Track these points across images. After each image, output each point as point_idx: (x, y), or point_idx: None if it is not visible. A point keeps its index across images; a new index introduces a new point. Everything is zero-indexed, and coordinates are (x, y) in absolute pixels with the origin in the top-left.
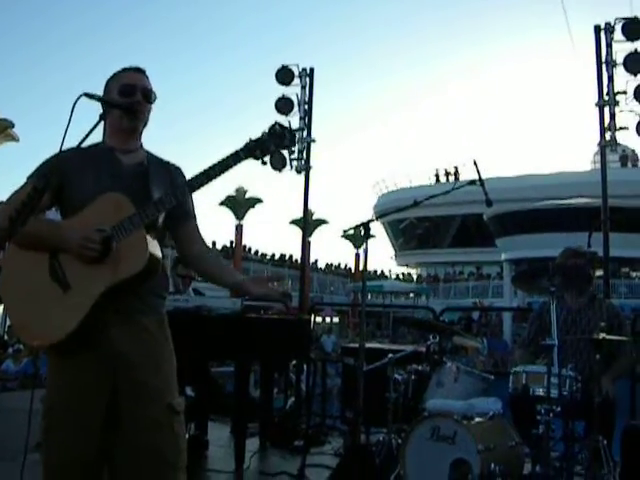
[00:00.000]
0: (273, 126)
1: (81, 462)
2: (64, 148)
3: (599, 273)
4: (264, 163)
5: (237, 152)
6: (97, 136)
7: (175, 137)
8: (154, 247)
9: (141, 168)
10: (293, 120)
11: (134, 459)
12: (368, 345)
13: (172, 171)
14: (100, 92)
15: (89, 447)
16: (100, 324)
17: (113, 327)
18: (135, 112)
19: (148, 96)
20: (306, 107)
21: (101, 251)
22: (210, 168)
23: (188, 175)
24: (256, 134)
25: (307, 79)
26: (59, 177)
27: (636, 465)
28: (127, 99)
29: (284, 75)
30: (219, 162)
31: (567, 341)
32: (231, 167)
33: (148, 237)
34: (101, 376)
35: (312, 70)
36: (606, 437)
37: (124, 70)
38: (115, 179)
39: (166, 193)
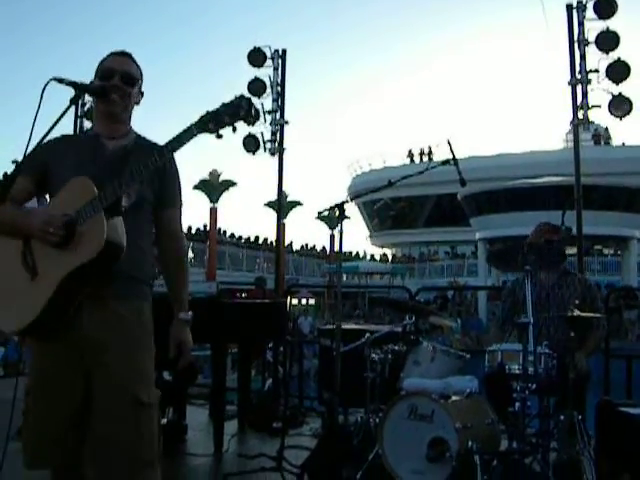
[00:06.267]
0: (234, 98)
1: (57, 445)
2: (48, 136)
3: (572, 250)
4: (219, 137)
5: (190, 127)
6: (68, 121)
7: (146, 121)
8: (114, 231)
9: (123, 152)
10: (266, 102)
11: (97, 449)
12: (345, 326)
13: (152, 153)
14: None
15: (63, 430)
16: (72, 309)
17: (85, 312)
18: (107, 95)
19: (127, 79)
20: (279, 89)
21: (64, 236)
22: (165, 146)
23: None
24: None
25: (279, 61)
26: (42, 166)
27: (610, 439)
28: (104, 83)
29: (256, 57)
30: (173, 139)
31: (541, 318)
32: (185, 143)
33: (112, 221)
34: (73, 361)
35: (284, 52)
36: (579, 412)
37: (110, 54)
38: (97, 165)
39: (127, 175)
